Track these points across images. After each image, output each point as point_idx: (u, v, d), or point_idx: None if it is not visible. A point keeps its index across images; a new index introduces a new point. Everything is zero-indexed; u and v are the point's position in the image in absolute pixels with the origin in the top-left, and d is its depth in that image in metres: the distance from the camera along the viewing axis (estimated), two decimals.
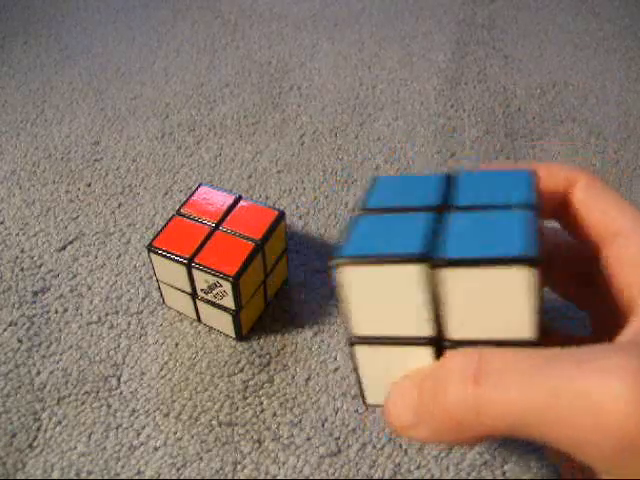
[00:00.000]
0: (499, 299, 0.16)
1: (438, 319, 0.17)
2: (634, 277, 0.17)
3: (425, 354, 0.18)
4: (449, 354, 0.17)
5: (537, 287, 0.16)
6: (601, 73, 0.52)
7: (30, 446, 0.27)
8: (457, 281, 0.16)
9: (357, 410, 0.28)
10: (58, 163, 0.43)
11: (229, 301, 0.29)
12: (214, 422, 0.28)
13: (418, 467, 0.26)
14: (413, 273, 0.17)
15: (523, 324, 0.16)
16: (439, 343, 0.18)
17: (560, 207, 0.21)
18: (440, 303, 0.17)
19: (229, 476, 0.26)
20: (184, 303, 0.31)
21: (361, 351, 0.19)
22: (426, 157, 0.43)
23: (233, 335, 0.31)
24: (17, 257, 0.36)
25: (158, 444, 0.27)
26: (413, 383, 0.18)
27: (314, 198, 0.40)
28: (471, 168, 0.43)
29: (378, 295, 0.17)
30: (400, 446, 0.27)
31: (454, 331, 0.17)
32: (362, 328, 0.19)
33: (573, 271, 0.23)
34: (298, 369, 0.30)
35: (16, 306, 0.33)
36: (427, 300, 0.17)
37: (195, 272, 0.28)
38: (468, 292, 0.17)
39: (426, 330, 0.18)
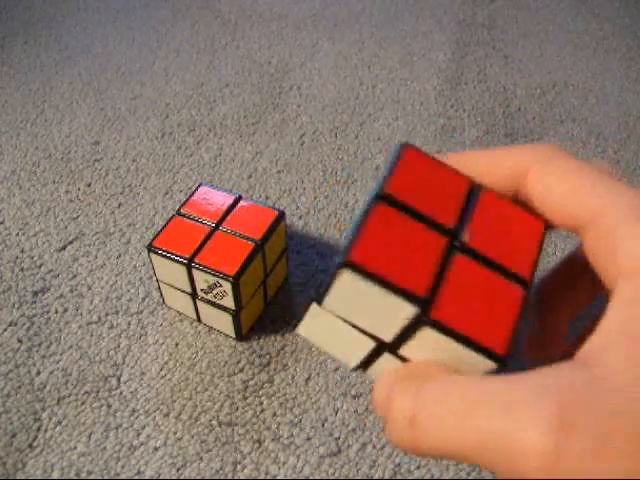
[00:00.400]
0: (369, 301, 0.18)
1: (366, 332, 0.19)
2: (610, 269, 0.16)
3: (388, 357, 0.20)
4: (395, 381, 0.18)
5: (370, 273, 0.17)
6: (601, 73, 0.52)
7: (30, 446, 0.27)
8: (332, 308, 0.19)
9: (357, 410, 0.28)
10: (58, 163, 0.43)
11: (229, 301, 0.29)
12: (214, 422, 0.28)
13: (418, 467, 0.26)
14: (317, 309, 0.19)
15: (399, 305, 0.17)
16: (385, 346, 0.19)
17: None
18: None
19: (229, 476, 0.26)
20: (184, 303, 0.31)
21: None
22: None
23: (233, 335, 0.31)
24: (17, 257, 0.36)
25: (158, 444, 0.27)
26: (381, 397, 0.19)
27: (314, 198, 0.40)
28: None
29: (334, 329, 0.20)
30: None
31: (383, 336, 0.19)
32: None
33: None
34: (298, 369, 0.30)
35: (16, 306, 0.33)
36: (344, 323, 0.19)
37: (195, 272, 0.28)
38: (350, 309, 0.18)
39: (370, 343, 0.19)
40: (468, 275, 0.18)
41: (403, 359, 0.19)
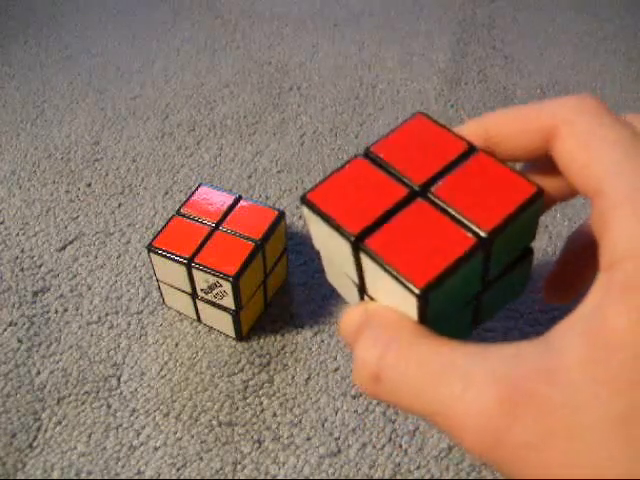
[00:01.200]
0: (327, 237, 0.20)
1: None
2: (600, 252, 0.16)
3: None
4: (365, 324, 0.19)
5: (317, 208, 0.19)
6: (601, 73, 0.52)
7: (30, 446, 0.27)
8: (318, 246, 0.21)
9: (357, 410, 0.28)
10: (58, 163, 0.43)
11: (229, 301, 0.29)
12: (214, 422, 0.28)
13: (418, 467, 0.26)
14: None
15: (340, 241, 0.19)
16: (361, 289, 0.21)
17: (547, 163, 0.18)
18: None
19: (229, 476, 0.26)
20: (184, 303, 0.31)
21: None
22: None
23: (233, 335, 0.31)
24: (17, 257, 0.36)
25: (158, 444, 0.27)
26: (349, 323, 0.19)
27: None
28: None
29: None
30: (400, 446, 0.27)
31: (350, 274, 0.20)
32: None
33: None
34: (298, 369, 0.30)
35: (16, 306, 0.33)
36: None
37: (195, 272, 0.28)
38: (324, 245, 0.21)
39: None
40: (420, 218, 0.18)
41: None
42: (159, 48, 0.55)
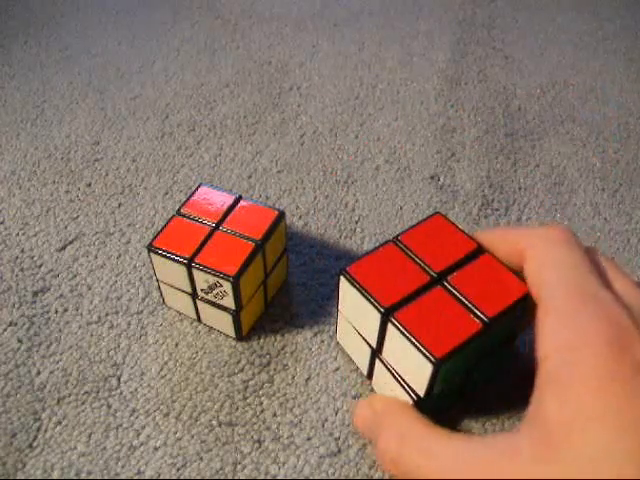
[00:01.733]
0: (358, 305, 0.25)
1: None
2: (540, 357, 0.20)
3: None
4: (381, 414, 0.25)
5: (355, 281, 0.25)
6: (601, 73, 0.52)
7: (30, 446, 0.27)
8: (342, 311, 0.27)
9: None
10: (58, 163, 0.43)
11: (229, 301, 0.29)
12: (214, 422, 0.28)
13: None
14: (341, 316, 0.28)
15: (371, 310, 0.24)
16: (375, 353, 0.26)
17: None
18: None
19: (229, 476, 0.26)
20: (184, 303, 0.31)
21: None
22: (426, 157, 0.43)
23: (233, 335, 0.31)
24: (17, 257, 0.36)
25: (158, 444, 0.27)
26: (364, 420, 0.25)
27: (314, 198, 0.40)
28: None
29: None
30: None
31: (370, 339, 0.25)
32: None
33: None
34: (298, 369, 0.30)
35: (16, 306, 0.33)
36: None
37: (195, 272, 0.28)
38: (350, 312, 0.26)
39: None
40: (439, 302, 0.23)
41: (387, 368, 0.25)
42: (159, 48, 0.55)
